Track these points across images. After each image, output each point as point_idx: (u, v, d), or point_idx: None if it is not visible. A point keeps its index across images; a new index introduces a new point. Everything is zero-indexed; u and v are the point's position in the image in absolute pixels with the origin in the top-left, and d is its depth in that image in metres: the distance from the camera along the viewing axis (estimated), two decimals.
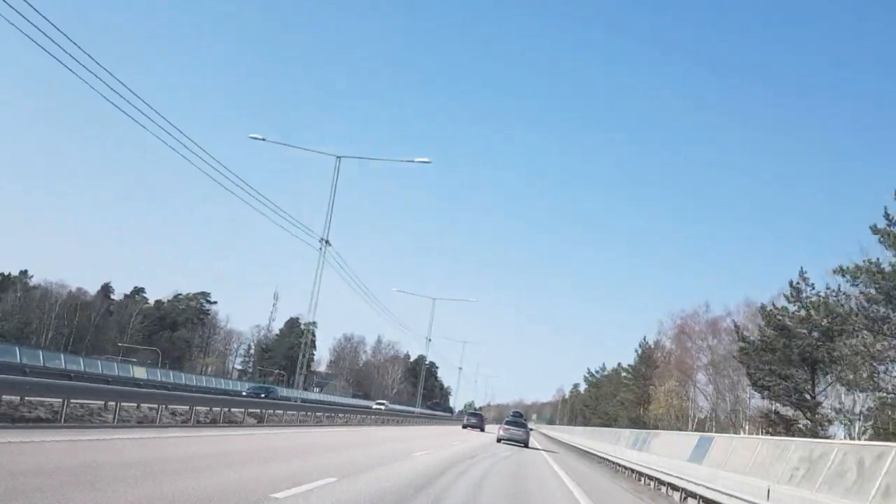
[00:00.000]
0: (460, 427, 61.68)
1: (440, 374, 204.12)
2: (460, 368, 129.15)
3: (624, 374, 73.86)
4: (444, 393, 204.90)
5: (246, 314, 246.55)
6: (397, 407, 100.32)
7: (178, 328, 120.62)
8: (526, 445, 39.79)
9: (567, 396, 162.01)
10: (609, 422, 71.95)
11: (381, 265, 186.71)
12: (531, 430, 53.42)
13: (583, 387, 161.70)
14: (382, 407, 74.85)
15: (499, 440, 40.11)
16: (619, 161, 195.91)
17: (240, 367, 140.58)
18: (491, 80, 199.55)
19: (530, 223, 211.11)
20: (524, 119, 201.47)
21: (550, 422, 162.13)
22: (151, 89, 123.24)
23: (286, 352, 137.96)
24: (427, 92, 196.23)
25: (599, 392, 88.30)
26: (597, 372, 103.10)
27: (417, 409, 73.67)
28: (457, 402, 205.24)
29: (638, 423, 60.19)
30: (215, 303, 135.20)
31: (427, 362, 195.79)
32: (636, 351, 71.07)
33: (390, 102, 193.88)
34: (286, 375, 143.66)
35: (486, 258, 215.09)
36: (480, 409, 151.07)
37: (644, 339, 71.71)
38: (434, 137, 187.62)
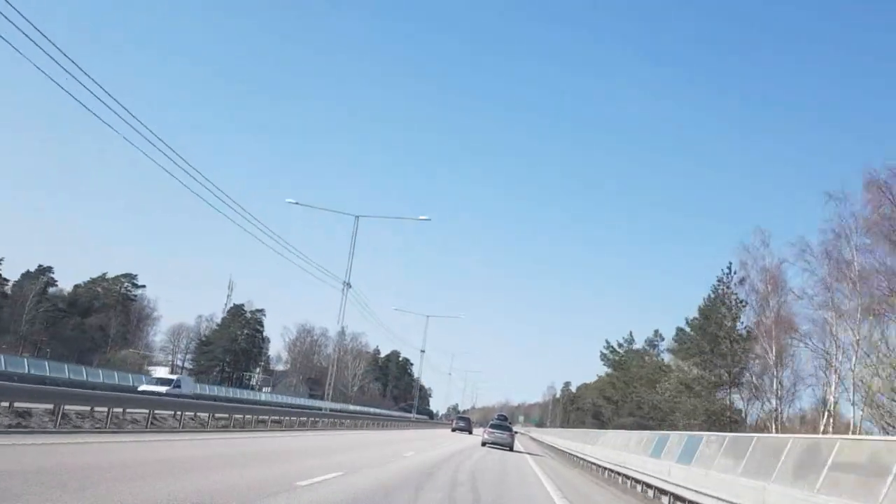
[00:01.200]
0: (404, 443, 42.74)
1: (420, 376, 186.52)
2: (422, 351, 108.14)
3: (685, 334, 49.79)
4: (425, 394, 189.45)
5: (196, 308, 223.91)
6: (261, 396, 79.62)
7: (90, 315, 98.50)
8: (511, 449, 39.06)
9: (558, 396, 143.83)
10: (647, 420, 52.54)
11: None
12: (516, 433, 53.04)
13: (575, 385, 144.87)
14: (163, 389, 37.60)
15: (483, 444, 39.00)
16: (602, 157, 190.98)
17: (190, 366, 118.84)
18: (487, 81, 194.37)
19: (515, 219, 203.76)
20: (500, 118, 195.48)
21: (540, 424, 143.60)
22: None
23: (229, 344, 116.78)
24: (421, 92, 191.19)
25: (629, 376, 64.22)
26: (622, 345, 74.82)
27: (327, 405, 48.23)
28: (439, 405, 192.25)
29: (719, 420, 40.82)
30: (143, 286, 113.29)
31: (400, 358, 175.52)
32: (713, 290, 45.33)
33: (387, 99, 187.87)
34: (231, 371, 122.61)
35: (467, 253, 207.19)
36: (465, 411, 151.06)
37: (728, 270, 44.88)
38: (430, 133, 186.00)
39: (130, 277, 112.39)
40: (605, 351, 79.61)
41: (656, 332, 66.44)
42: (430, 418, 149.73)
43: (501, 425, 42.38)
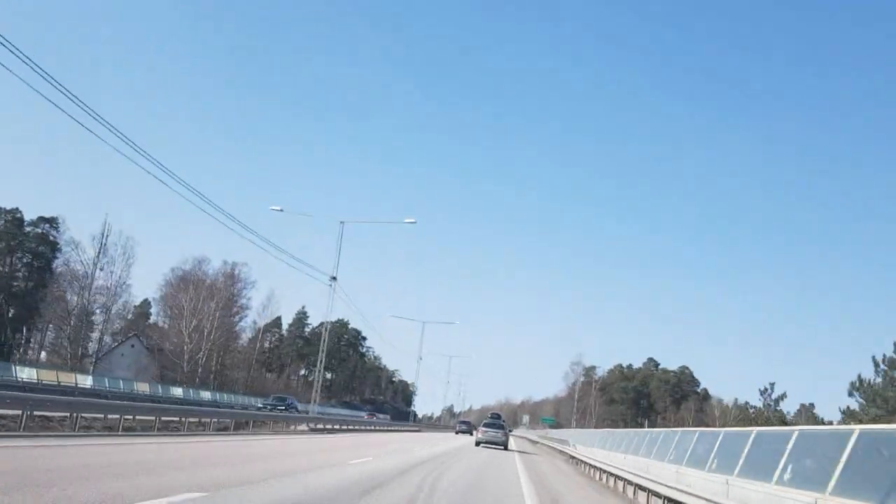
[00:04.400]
0: None
1: (398, 368, 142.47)
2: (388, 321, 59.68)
3: None
4: (404, 388, 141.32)
5: None
6: None
7: None
8: (505, 448, 39.49)
9: (581, 384, 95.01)
10: None
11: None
12: (511, 432, 55.40)
13: (605, 368, 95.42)
14: None
15: (477, 443, 39.99)
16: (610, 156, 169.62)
17: None
18: (480, 87, 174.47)
19: (513, 198, 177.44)
20: (506, 121, 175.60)
21: (556, 425, 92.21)
22: None
23: None
24: (418, 100, 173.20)
25: None
26: None
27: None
28: (428, 407, 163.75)
29: None
30: None
31: (346, 332, 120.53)
32: None
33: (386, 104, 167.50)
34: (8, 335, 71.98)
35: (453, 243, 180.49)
36: (462, 413, 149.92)
37: None
38: (425, 135, 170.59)
39: None
40: None
41: None
42: (395, 417, 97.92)
43: (495, 424, 42.84)
